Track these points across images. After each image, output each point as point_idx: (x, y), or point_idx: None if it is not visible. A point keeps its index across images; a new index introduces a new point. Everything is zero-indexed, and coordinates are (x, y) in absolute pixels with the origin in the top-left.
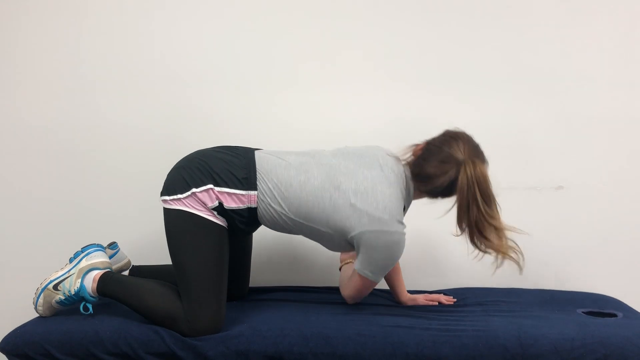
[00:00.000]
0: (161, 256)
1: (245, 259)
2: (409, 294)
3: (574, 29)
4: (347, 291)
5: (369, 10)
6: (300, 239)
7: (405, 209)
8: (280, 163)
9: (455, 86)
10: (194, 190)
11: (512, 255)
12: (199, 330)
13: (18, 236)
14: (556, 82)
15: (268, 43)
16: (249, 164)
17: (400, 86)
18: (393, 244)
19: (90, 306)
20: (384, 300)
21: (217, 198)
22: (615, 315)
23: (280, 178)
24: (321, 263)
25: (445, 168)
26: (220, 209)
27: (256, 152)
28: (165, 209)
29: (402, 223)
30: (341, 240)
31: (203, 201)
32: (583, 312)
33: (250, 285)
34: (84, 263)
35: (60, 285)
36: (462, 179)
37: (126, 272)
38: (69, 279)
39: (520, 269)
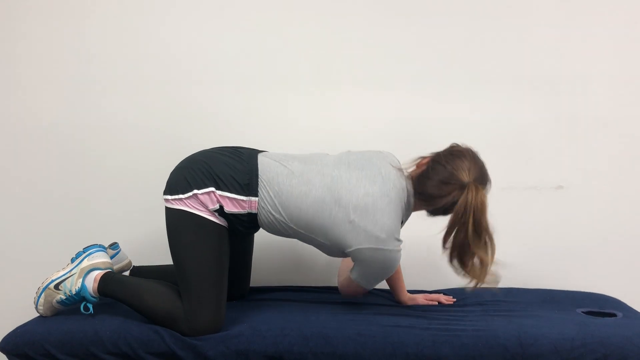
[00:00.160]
0: (162, 256)
1: (246, 258)
2: (408, 294)
3: (574, 29)
4: (343, 285)
5: (369, 10)
6: None
7: (403, 223)
8: (282, 171)
9: (455, 86)
10: (195, 191)
11: (488, 280)
12: (199, 330)
13: (19, 236)
14: (556, 82)
15: (269, 43)
16: (251, 170)
17: (401, 86)
18: (388, 260)
19: (90, 306)
20: (384, 300)
21: (218, 201)
22: (615, 315)
23: (281, 187)
24: (321, 263)
25: (449, 190)
26: (220, 211)
27: (260, 156)
28: (167, 208)
29: (398, 240)
30: (339, 252)
31: (204, 203)
32: (583, 312)
33: (250, 285)
34: (86, 263)
35: (62, 285)
36: (461, 202)
37: (127, 273)
38: (70, 278)
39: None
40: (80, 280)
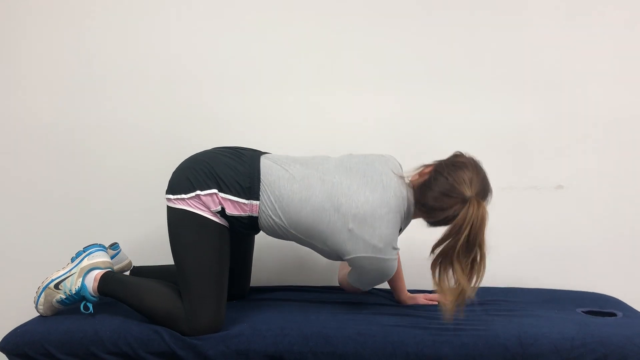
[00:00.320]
0: (162, 256)
1: (246, 258)
2: (409, 293)
3: (574, 29)
4: (342, 280)
5: (369, 10)
6: None
7: (401, 230)
8: (284, 175)
9: (455, 86)
10: (198, 192)
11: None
12: (199, 329)
13: (19, 236)
14: (556, 82)
15: (269, 43)
16: (253, 173)
17: (401, 86)
18: (385, 268)
19: (90, 306)
20: (384, 300)
21: (220, 203)
22: (615, 315)
23: (282, 191)
24: (322, 263)
25: (450, 203)
26: (222, 213)
27: (262, 158)
28: (168, 208)
29: (395, 248)
30: (337, 257)
31: (206, 204)
32: (583, 312)
33: (250, 285)
34: (86, 262)
35: (62, 284)
36: (461, 216)
37: (127, 273)
38: (70, 278)
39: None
40: (80, 279)
